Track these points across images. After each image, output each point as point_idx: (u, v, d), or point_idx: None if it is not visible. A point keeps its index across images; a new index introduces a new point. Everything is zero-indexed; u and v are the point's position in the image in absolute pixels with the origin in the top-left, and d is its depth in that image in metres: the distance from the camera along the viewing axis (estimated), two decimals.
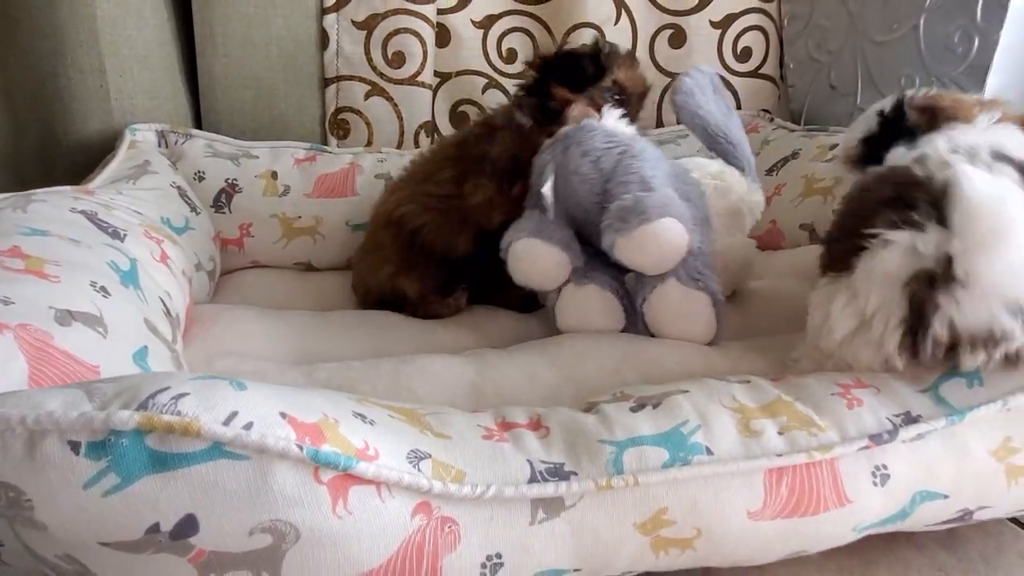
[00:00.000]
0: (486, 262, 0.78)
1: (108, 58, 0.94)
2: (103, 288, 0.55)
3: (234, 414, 0.36)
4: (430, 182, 0.83)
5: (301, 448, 0.36)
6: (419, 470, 0.40)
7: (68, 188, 0.74)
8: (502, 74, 1.21)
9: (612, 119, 0.75)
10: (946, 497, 0.48)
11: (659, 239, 0.64)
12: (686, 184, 0.75)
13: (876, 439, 0.45)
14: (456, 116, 1.21)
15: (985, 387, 0.49)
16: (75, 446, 0.35)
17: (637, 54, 1.23)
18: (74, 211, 0.66)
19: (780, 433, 0.44)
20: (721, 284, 0.79)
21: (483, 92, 1.19)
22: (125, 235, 0.67)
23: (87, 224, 0.65)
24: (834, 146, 1.05)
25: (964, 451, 0.47)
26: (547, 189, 0.70)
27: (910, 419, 0.46)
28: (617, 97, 0.80)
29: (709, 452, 0.43)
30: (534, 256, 0.71)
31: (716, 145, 0.85)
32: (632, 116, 0.80)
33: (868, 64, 1.10)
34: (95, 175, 0.85)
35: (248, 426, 0.36)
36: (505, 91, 1.17)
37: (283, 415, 0.38)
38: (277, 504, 0.36)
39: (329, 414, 0.40)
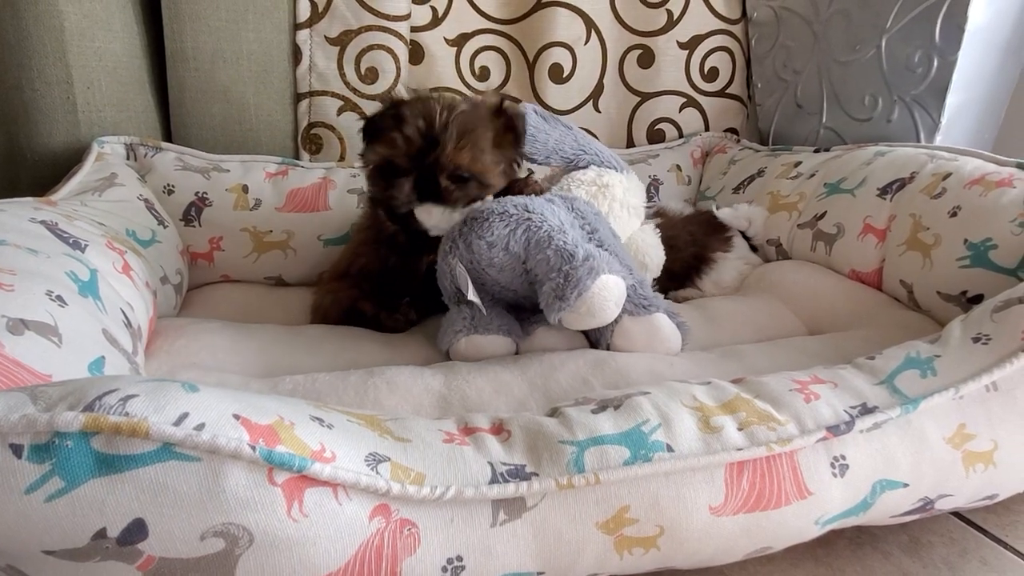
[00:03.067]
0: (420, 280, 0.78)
1: (75, 70, 0.93)
2: (59, 297, 0.54)
3: (185, 415, 0.36)
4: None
5: (254, 449, 0.36)
6: (377, 472, 0.39)
7: (30, 199, 0.72)
8: (475, 91, 1.22)
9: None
10: (906, 485, 0.49)
11: (602, 299, 0.63)
12: (588, 217, 0.73)
13: (834, 430, 0.46)
14: None
15: (938, 376, 0.50)
16: (17, 449, 0.34)
17: (606, 73, 1.27)
18: (34, 221, 0.65)
19: (740, 429, 0.45)
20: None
21: None
22: (86, 245, 0.66)
23: (46, 234, 0.64)
24: (798, 163, 1.08)
25: (921, 439, 0.48)
26: (472, 296, 0.68)
27: (866, 410, 0.47)
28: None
29: (670, 449, 0.43)
30: (478, 351, 0.70)
31: (581, 161, 0.88)
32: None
33: (833, 83, 1.13)
34: (60, 186, 0.84)
35: (200, 427, 0.35)
36: None
37: (236, 416, 0.37)
38: (229, 507, 0.35)
39: (285, 416, 0.39)
